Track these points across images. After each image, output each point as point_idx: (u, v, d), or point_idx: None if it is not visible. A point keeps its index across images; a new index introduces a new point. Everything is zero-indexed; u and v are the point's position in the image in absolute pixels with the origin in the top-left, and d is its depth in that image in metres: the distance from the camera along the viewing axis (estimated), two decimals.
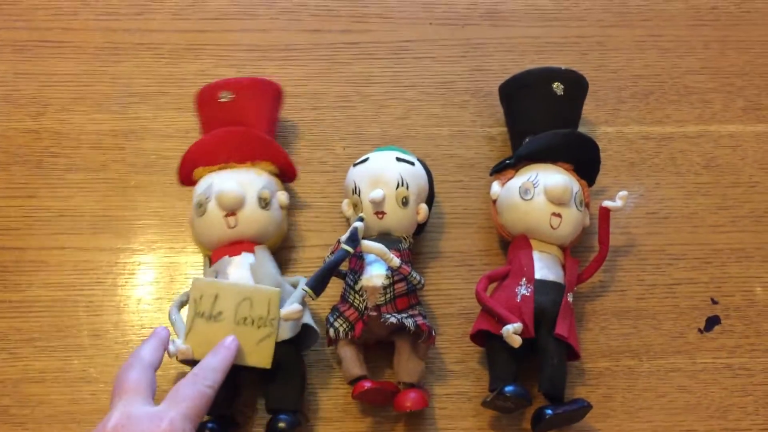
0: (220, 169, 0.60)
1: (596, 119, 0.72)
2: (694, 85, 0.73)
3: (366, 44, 0.74)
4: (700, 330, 0.63)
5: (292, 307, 0.54)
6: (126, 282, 0.64)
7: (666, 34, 0.75)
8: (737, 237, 0.67)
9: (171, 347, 0.53)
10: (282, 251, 0.65)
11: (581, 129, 0.67)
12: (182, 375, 0.57)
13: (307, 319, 0.57)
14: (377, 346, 0.60)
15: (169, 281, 0.64)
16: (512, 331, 0.55)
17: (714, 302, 0.64)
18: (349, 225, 0.59)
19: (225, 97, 0.62)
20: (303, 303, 0.56)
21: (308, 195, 0.68)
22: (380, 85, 0.73)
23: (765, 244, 0.67)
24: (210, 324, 0.54)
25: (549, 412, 0.56)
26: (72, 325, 0.63)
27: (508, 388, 0.55)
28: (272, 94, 0.65)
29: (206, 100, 0.63)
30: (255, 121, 0.62)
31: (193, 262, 0.65)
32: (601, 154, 0.64)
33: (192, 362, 0.56)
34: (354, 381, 0.57)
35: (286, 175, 0.63)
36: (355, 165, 0.63)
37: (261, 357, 0.54)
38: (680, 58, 0.74)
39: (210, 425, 0.54)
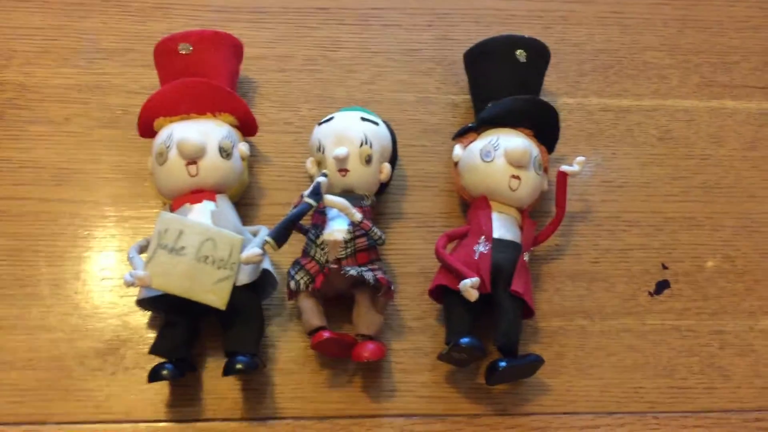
0: (180, 119, 0.61)
1: (557, 90, 0.73)
2: (652, 60, 0.75)
3: (335, 10, 0.75)
4: (650, 293, 0.66)
5: (252, 251, 0.55)
6: (87, 234, 0.64)
7: (627, 11, 0.78)
8: (688, 206, 0.69)
9: (128, 276, 0.54)
10: (245, 208, 0.65)
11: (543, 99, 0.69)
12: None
13: (267, 264, 0.58)
14: (337, 301, 0.61)
15: (131, 234, 0.65)
16: (469, 285, 0.56)
17: (664, 267, 0.67)
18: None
19: (184, 49, 0.62)
20: (263, 251, 0.56)
21: (273, 154, 0.68)
22: (347, 50, 0.74)
23: (714, 214, 0.69)
24: (171, 256, 0.55)
25: (503, 364, 0.57)
26: (31, 275, 0.62)
27: (464, 340, 0.56)
28: (231, 48, 0.65)
29: (165, 52, 0.63)
30: (214, 73, 0.63)
31: (155, 216, 0.65)
32: (561, 125, 0.66)
33: (146, 303, 0.56)
34: (313, 332, 0.58)
35: (247, 127, 0.64)
36: (319, 124, 0.63)
37: (217, 297, 0.55)
38: (640, 35, 0.77)
39: (168, 366, 0.55)
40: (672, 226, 0.68)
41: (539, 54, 0.67)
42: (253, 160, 0.67)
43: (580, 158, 0.63)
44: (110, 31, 0.72)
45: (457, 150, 0.65)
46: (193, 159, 0.58)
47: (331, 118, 0.63)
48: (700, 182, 0.70)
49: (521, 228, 0.62)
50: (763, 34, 0.78)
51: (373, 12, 0.75)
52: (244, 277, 0.56)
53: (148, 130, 0.62)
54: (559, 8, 0.77)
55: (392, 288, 0.59)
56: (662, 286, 0.66)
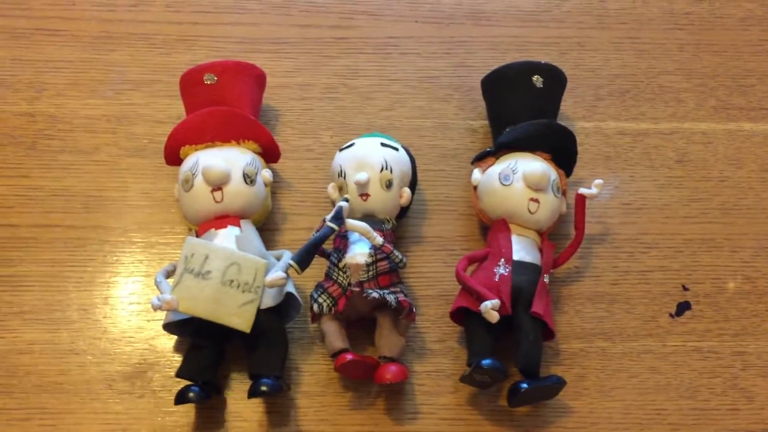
0: (206, 147, 0.62)
1: (574, 114, 0.74)
2: (668, 84, 0.76)
3: (354, 39, 0.77)
4: (671, 315, 0.66)
5: (276, 274, 0.56)
6: (116, 260, 0.66)
7: (642, 37, 0.79)
8: (707, 228, 0.70)
9: (155, 300, 0.55)
10: (268, 233, 0.66)
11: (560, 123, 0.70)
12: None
13: (290, 288, 0.59)
14: (359, 324, 0.62)
15: (158, 260, 0.66)
16: (490, 307, 0.57)
17: (685, 289, 0.67)
18: None
19: (209, 79, 0.64)
20: (287, 274, 0.57)
21: (295, 180, 0.70)
22: (366, 78, 0.75)
23: (733, 235, 0.69)
24: (198, 280, 0.56)
25: (524, 386, 0.57)
26: (61, 300, 0.64)
27: (486, 362, 0.57)
28: (254, 77, 0.67)
29: (190, 83, 0.65)
30: (238, 102, 0.65)
31: (181, 241, 0.66)
32: (579, 148, 0.67)
33: (173, 327, 0.58)
34: (336, 354, 0.59)
35: (270, 154, 0.65)
36: (341, 150, 0.65)
37: (242, 320, 0.56)
38: (656, 60, 0.78)
39: (194, 389, 0.56)
40: (691, 247, 0.69)
41: (556, 79, 0.68)
42: (275, 186, 0.69)
43: (598, 181, 0.64)
44: (136, 63, 0.74)
45: (476, 174, 0.66)
46: (218, 185, 0.60)
47: (351, 144, 0.64)
48: (718, 204, 0.71)
49: (541, 250, 0.63)
50: None
51: (391, 41, 0.77)
52: (269, 301, 0.57)
53: (174, 158, 0.64)
54: (574, 35, 0.78)
55: (414, 310, 0.59)
56: (683, 307, 0.66)
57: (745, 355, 0.64)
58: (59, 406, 0.60)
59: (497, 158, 0.66)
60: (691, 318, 0.66)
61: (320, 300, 0.60)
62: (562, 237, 0.67)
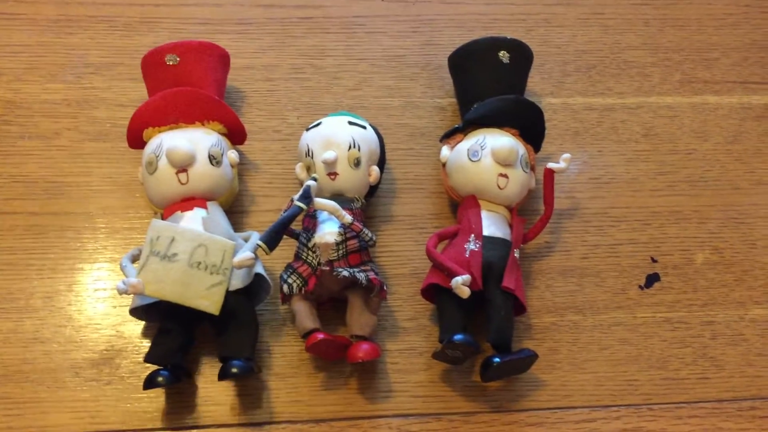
0: (169, 129, 0.61)
1: (542, 91, 0.74)
2: (634, 59, 0.77)
3: (319, 19, 0.76)
4: (640, 287, 0.66)
5: (244, 254, 0.55)
6: (79, 246, 0.65)
7: (608, 12, 0.79)
8: (675, 200, 0.70)
9: (120, 284, 0.54)
10: (236, 215, 0.65)
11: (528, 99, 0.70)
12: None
13: (259, 269, 0.58)
14: (330, 304, 0.62)
15: (123, 245, 0.65)
16: (461, 283, 0.57)
17: (654, 261, 0.67)
18: None
19: (171, 60, 0.63)
20: (255, 255, 0.57)
21: (262, 161, 0.69)
22: (333, 58, 0.75)
23: (701, 207, 0.70)
24: (164, 263, 0.55)
25: (497, 360, 0.57)
26: (24, 288, 0.62)
27: (457, 337, 0.57)
28: (218, 57, 0.66)
29: (152, 64, 0.64)
30: (201, 83, 0.63)
31: (147, 226, 0.65)
32: (547, 124, 0.67)
33: (140, 312, 0.57)
34: (307, 334, 0.58)
35: (236, 135, 0.64)
36: (308, 129, 0.64)
37: (210, 302, 0.55)
38: (621, 35, 0.78)
39: (163, 373, 0.55)
40: (659, 220, 0.69)
41: (522, 54, 0.68)
42: (242, 168, 0.68)
43: (566, 155, 0.64)
44: (97, 46, 0.73)
45: (445, 151, 0.65)
46: (182, 167, 0.59)
47: (318, 123, 0.64)
48: (685, 176, 0.71)
49: (511, 225, 0.63)
50: (742, 31, 0.79)
51: (358, 20, 0.76)
52: (237, 282, 0.56)
53: (137, 141, 0.62)
54: (541, 11, 0.78)
55: (385, 288, 0.59)
56: (652, 279, 0.67)
57: (714, 324, 0.65)
58: (25, 395, 0.59)
59: (465, 135, 0.66)
60: (660, 289, 0.66)
61: (290, 280, 0.59)
62: (531, 212, 0.67)
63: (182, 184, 0.59)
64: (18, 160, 0.67)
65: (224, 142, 0.63)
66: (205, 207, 0.59)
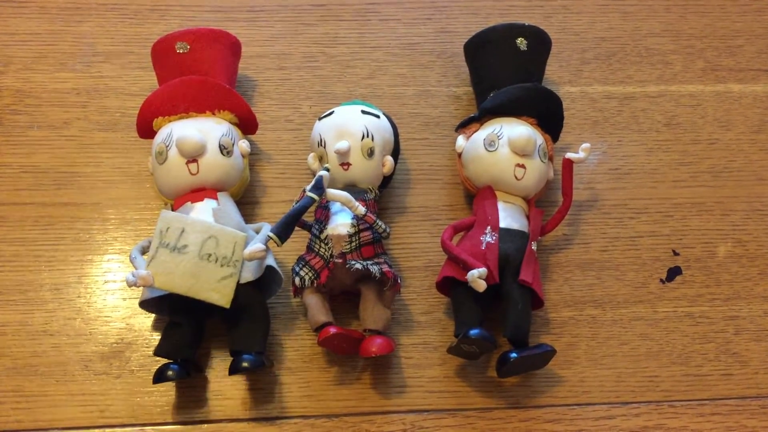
0: (179, 118, 0.60)
1: (560, 79, 0.73)
2: (655, 47, 0.74)
3: (332, 6, 0.75)
4: (662, 280, 0.64)
5: (255, 246, 0.54)
6: (89, 237, 0.64)
7: None
8: (697, 192, 0.68)
9: (130, 276, 0.53)
10: (247, 206, 0.64)
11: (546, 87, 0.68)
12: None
13: (271, 261, 0.57)
14: (343, 297, 0.60)
15: (133, 236, 0.64)
16: (477, 276, 0.55)
17: (675, 254, 0.66)
18: None
19: (181, 48, 0.62)
20: (266, 247, 0.55)
21: (274, 151, 0.68)
22: (346, 46, 0.73)
23: (724, 198, 0.68)
24: (173, 255, 0.54)
25: (514, 355, 0.56)
26: (33, 280, 0.62)
27: (473, 332, 0.55)
28: (229, 45, 0.65)
29: (162, 52, 0.63)
30: (212, 71, 0.62)
31: (157, 217, 0.64)
32: (565, 113, 0.65)
33: (150, 305, 0.56)
34: (319, 328, 0.57)
35: (247, 125, 0.63)
36: (320, 119, 0.63)
37: (221, 295, 0.54)
38: (642, 21, 0.76)
39: (173, 367, 0.54)
40: (681, 212, 0.67)
41: (540, 41, 0.66)
42: (254, 158, 0.67)
43: (586, 145, 0.62)
44: (107, 34, 0.72)
45: (461, 141, 0.64)
46: (193, 157, 0.58)
47: (331, 113, 0.62)
48: (708, 167, 0.69)
49: (528, 217, 0.61)
50: (767, 17, 0.77)
51: (371, 7, 0.75)
52: (248, 275, 0.55)
53: (147, 131, 0.61)
54: None
55: (399, 281, 0.58)
56: (674, 272, 0.65)
57: (738, 319, 0.63)
58: (34, 388, 0.58)
59: (482, 124, 0.64)
60: (682, 283, 0.64)
61: (302, 273, 0.58)
62: (549, 204, 0.66)
63: (192, 174, 0.58)
64: (27, 150, 0.66)
65: (235, 131, 0.62)
66: (215, 198, 0.58)
